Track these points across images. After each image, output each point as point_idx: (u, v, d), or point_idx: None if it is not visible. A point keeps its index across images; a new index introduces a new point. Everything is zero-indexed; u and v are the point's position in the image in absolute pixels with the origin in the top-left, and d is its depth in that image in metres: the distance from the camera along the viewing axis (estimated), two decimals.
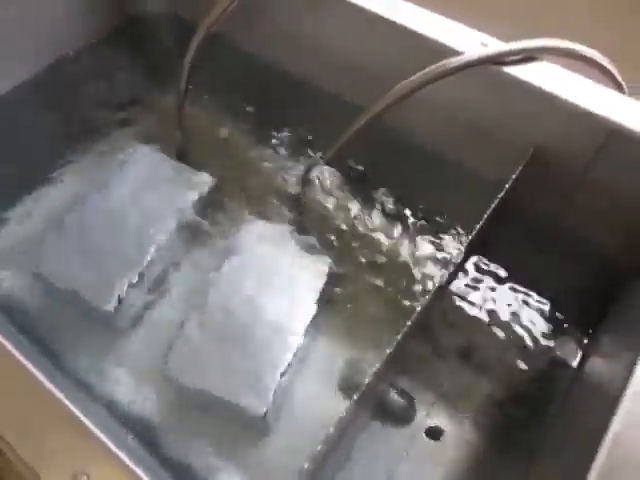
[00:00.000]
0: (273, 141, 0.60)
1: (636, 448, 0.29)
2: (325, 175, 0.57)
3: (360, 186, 0.57)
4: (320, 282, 0.48)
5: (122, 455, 0.31)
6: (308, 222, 0.55)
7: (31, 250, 0.50)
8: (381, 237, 0.54)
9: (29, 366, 0.34)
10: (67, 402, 0.33)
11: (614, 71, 0.45)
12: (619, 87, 0.46)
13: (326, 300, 0.48)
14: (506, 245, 0.52)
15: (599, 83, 0.45)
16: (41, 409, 0.33)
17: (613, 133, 0.42)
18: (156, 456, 0.41)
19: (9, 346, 0.35)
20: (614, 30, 0.58)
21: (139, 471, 0.30)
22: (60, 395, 0.33)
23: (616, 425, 0.30)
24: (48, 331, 0.47)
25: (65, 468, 0.31)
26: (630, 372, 0.32)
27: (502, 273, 0.53)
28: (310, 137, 0.59)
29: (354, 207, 0.56)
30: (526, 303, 0.51)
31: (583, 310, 0.51)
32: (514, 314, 0.51)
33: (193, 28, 0.53)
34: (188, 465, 0.42)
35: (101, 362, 0.47)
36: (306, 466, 0.34)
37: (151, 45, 0.71)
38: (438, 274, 0.51)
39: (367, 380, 0.38)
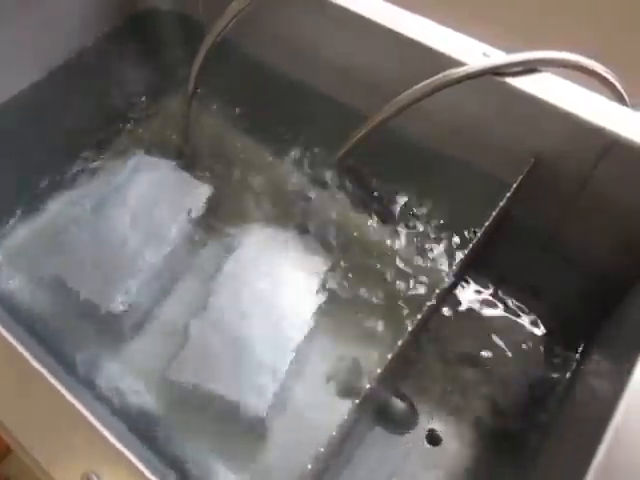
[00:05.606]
0: (278, 146, 0.61)
1: (634, 449, 0.30)
2: (329, 179, 0.58)
3: (363, 189, 0.58)
4: (320, 285, 0.49)
5: (132, 457, 0.31)
6: (311, 225, 0.56)
7: (38, 252, 0.51)
8: (384, 240, 0.54)
9: (40, 367, 0.35)
10: (78, 403, 0.34)
11: (616, 82, 0.46)
12: (621, 98, 0.46)
13: (328, 304, 0.49)
14: (505, 253, 0.53)
15: (600, 94, 0.45)
16: (52, 410, 0.34)
17: (614, 144, 0.43)
18: (157, 455, 0.42)
19: (20, 348, 0.36)
20: (614, 41, 0.58)
21: (148, 473, 0.31)
22: (71, 397, 0.34)
23: (614, 427, 0.30)
24: (55, 333, 0.48)
25: (76, 468, 0.32)
26: (629, 376, 0.32)
27: (501, 281, 0.54)
28: (315, 143, 0.60)
29: (357, 209, 0.57)
30: (524, 311, 0.52)
31: (581, 318, 0.51)
32: (512, 321, 0.52)
33: (200, 26, 0.53)
34: (188, 466, 0.43)
35: (106, 363, 0.47)
36: (309, 468, 0.35)
37: (158, 44, 0.71)
38: (440, 280, 0.52)
39: (369, 384, 0.39)
